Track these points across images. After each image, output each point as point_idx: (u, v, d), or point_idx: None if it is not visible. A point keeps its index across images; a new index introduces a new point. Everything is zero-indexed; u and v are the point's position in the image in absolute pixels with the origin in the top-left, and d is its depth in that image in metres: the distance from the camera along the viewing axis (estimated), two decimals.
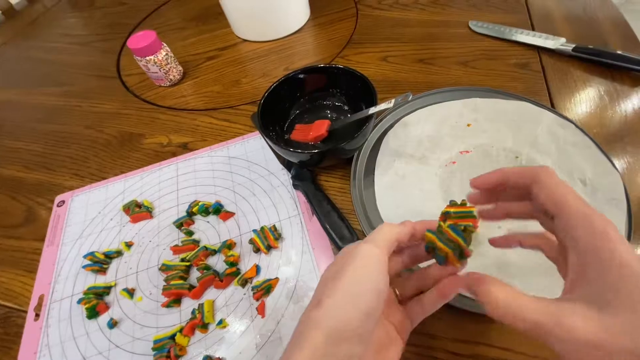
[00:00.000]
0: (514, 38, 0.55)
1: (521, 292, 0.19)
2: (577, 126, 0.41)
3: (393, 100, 0.38)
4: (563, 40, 0.52)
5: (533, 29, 0.56)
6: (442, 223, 0.27)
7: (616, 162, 0.38)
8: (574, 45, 0.50)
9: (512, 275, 0.33)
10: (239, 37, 0.65)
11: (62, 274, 0.40)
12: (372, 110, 0.39)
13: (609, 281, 0.17)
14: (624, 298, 0.16)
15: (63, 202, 0.46)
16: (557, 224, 0.20)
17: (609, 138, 0.42)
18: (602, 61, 0.49)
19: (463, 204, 0.28)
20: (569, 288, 0.19)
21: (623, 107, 0.45)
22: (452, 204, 0.29)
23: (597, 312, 0.16)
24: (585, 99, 0.47)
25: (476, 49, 0.55)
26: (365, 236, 0.36)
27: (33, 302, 0.38)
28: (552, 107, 0.45)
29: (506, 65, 0.52)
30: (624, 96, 0.46)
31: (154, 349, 0.33)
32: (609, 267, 0.17)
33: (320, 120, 0.45)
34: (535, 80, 0.49)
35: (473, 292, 0.21)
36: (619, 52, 0.48)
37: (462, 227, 0.27)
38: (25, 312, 0.38)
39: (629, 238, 0.34)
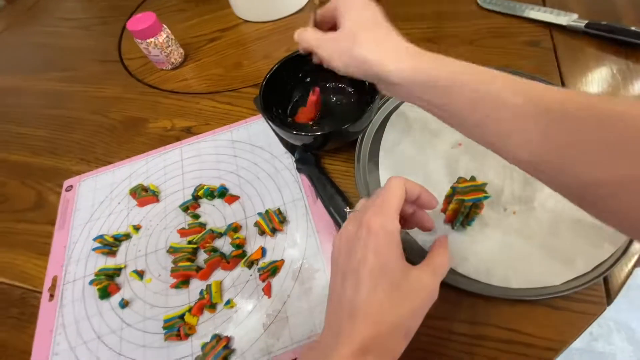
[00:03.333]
0: (524, 14, 0.53)
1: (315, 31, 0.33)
2: None
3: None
4: (575, 16, 0.50)
5: (544, 5, 0.54)
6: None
7: None
8: (586, 22, 0.48)
9: (514, 259, 0.33)
10: (240, 18, 0.64)
11: (73, 257, 0.41)
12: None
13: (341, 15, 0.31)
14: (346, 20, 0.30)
15: (71, 186, 0.46)
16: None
17: None
18: (615, 38, 0.47)
19: (472, 179, 0.29)
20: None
21: (636, 87, 0.44)
22: (460, 180, 0.29)
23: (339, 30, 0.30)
24: (598, 77, 0.45)
25: (484, 26, 0.53)
26: None
27: (47, 284, 0.39)
28: (562, 86, 0.44)
29: (516, 43, 0.50)
30: (637, 75, 0.45)
31: (164, 327, 0.34)
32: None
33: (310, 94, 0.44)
34: (546, 58, 0.48)
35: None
36: (633, 28, 0.46)
37: (469, 205, 0.28)
38: (40, 292, 0.39)
39: None
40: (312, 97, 0.43)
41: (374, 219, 0.24)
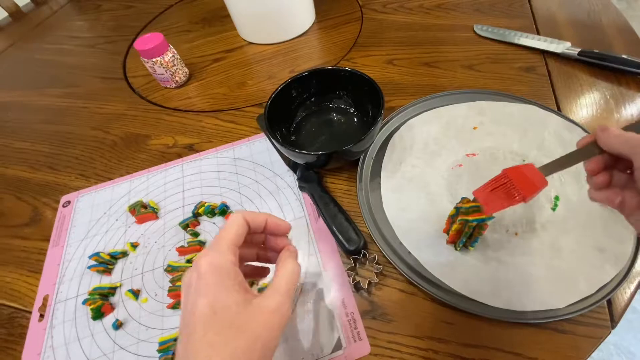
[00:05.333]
0: (519, 42, 0.55)
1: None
2: (584, 129, 0.41)
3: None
4: (568, 44, 0.52)
5: (538, 33, 0.56)
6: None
7: None
8: (579, 50, 0.50)
9: (517, 281, 0.33)
10: (245, 40, 0.66)
11: (67, 275, 0.39)
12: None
13: None
14: None
15: (69, 202, 0.46)
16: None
17: None
18: (607, 65, 0.49)
19: (476, 200, 0.30)
20: None
21: (629, 111, 0.45)
22: (464, 200, 0.30)
23: None
24: (592, 102, 0.47)
25: (481, 52, 0.55)
26: (372, 238, 0.36)
27: (37, 303, 0.38)
28: (558, 111, 0.45)
29: (511, 68, 0.52)
30: (630, 100, 0.46)
31: (159, 350, 0.33)
32: None
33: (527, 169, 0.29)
34: (541, 83, 0.49)
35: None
36: (624, 56, 0.48)
37: (473, 225, 0.28)
38: (30, 312, 0.37)
39: (638, 242, 0.34)
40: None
41: (203, 259, 0.23)
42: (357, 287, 0.35)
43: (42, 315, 0.37)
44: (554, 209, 0.36)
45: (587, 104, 0.47)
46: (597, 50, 0.49)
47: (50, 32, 0.79)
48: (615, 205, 0.25)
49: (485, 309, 0.31)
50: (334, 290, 0.35)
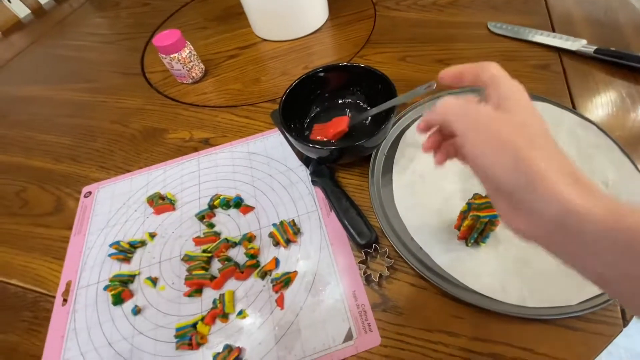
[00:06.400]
0: (533, 39, 0.54)
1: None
2: (599, 128, 0.41)
3: (419, 88, 0.38)
4: (584, 42, 0.51)
5: (553, 31, 0.56)
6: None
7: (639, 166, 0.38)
8: (595, 47, 0.50)
9: (529, 277, 0.33)
10: (259, 37, 0.67)
11: (88, 262, 0.41)
12: (398, 100, 0.39)
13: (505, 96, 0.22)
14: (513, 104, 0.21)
15: (90, 193, 0.47)
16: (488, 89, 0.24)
17: (632, 141, 0.42)
18: (624, 64, 0.48)
19: (487, 197, 0.30)
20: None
21: None
22: (476, 196, 0.30)
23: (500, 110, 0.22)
24: (607, 101, 0.46)
25: (495, 50, 0.55)
26: (383, 232, 0.37)
27: (61, 288, 0.40)
28: (573, 109, 0.45)
29: (526, 66, 0.52)
30: None
31: (176, 336, 0.34)
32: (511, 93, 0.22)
33: (338, 117, 0.45)
34: (556, 81, 0.49)
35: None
36: None
37: (485, 222, 0.28)
38: (54, 297, 0.39)
39: None
40: (342, 126, 0.44)
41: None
42: (368, 279, 0.35)
43: (65, 300, 0.39)
44: None
45: (603, 102, 0.46)
46: (613, 49, 0.49)
47: (71, 29, 0.81)
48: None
49: (496, 305, 0.32)
50: (346, 282, 0.36)
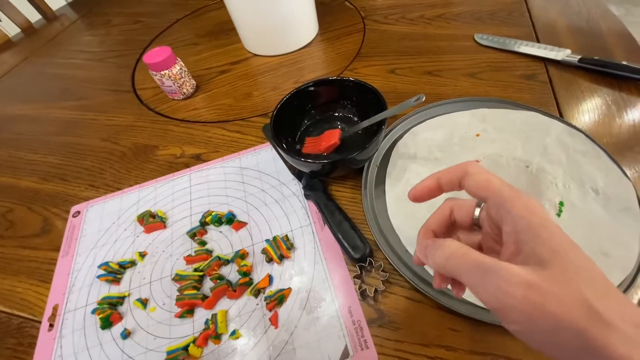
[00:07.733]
0: (519, 50, 0.55)
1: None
2: (586, 135, 0.41)
3: (409, 100, 0.38)
4: (568, 51, 0.53)
5: (538, 41, 0.57)
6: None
7: (627, 171, 0.38)
8: (579, 57, 0.51)
9: None
10: (250, 52, 0.67)
11: (76, 284, 0.40)
12: (389, 113, 0.39)
13: (540, 241, 0.19)
14: (555, 255, 0.18)
15: (78, 212, 0.46)
16: (489, 206, 0.21)
17: (619, 147, 0.42)
18: (608, 72, 0.49)
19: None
20: (507, 259, 0.20)
21: (631, 116, 0.45)
22: None
23: (533, 267, 0.18)
24: (593, 108, 0.47)
25: (482, 61, 0.56)
26: (378, 245, 0.36)
27: (47, 312, 0.38)
28: (560, 117, 0.46)
29: (513, 76, 0.53)
30: (631, 105, 0.46)
31: None
32: (539, 228, 0.19)
33: (330, 130, 0.46)
34: (543, 90, 0.50)
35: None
36: (624, 62, 0.48)
37: None
38: (40, 322, 0.38)
39: None
40: (334, 139, 0.44)
41: None
42: (363, 294, 0.35)
43: (51, 325, 0.37)
44: (558, 215, 0.36)
45: (589, 109, 0.47)
46: (597, 57, 0.50)
47: (61, 47, 0.81)
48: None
49: (492, 316, 0.31)
50: (341, 298, 0.35)
